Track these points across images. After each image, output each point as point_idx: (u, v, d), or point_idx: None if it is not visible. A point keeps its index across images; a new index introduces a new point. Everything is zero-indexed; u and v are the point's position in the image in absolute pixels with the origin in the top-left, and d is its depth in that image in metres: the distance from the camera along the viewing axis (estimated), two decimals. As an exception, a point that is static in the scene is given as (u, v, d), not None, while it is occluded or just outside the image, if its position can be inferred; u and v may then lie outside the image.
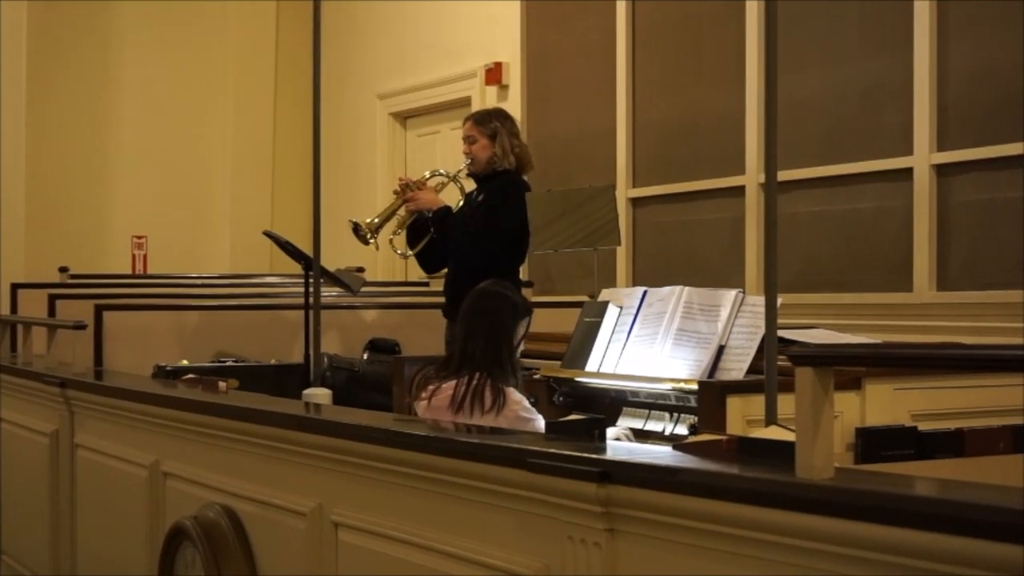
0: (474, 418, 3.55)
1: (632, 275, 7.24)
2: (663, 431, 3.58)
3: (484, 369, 3.63)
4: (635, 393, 3.73)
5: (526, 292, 5.98)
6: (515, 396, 3.62)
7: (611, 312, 3.89)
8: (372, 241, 5.53)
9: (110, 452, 4.46)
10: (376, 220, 5.55)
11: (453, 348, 3.80)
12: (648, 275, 7.00)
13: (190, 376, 4.67)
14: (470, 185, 5.61)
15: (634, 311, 3.82)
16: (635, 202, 7.29)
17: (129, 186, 10.04)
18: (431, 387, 3.69)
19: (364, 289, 5.92)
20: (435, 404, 3.64)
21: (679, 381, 3.52)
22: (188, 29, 10.23)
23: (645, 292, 3.86)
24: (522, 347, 3.86)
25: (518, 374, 3.77)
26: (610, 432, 3.43)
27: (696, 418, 3.39)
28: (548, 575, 2.42)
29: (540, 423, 3.56)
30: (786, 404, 2.31)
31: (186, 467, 3.89)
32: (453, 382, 3.64)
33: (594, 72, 7.61)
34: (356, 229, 5.51)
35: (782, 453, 2.10)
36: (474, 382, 3.60)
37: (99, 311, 5.44)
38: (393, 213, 5.57)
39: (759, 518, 1.99)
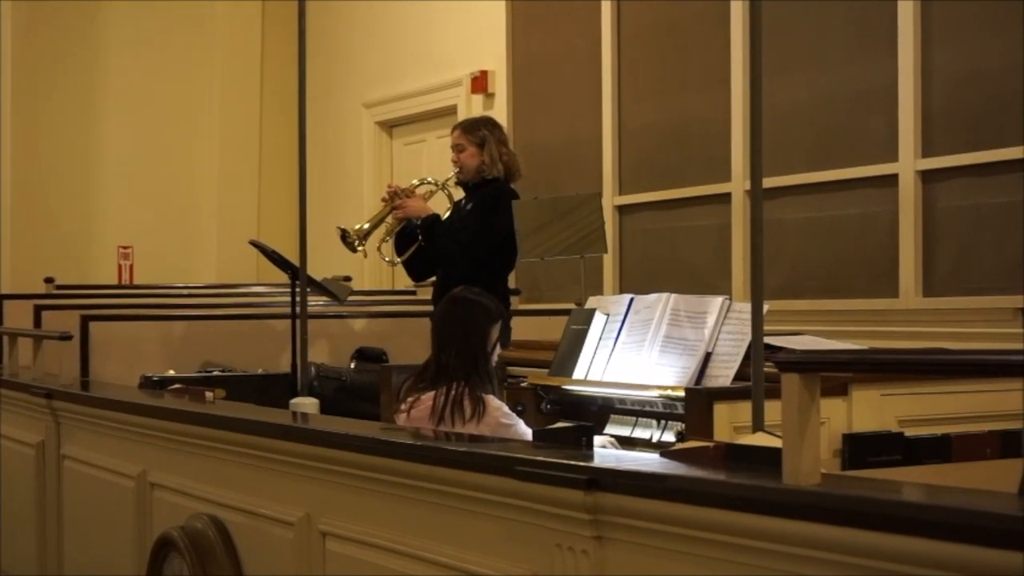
0: (455, 428, 3.54)
1: (619, 282, 7.25)
2: (650, 438, 3.58)
3: (461, 378, 3.62)
4: (622, 400, 3.73)
5: (513, 300, 5.98)
6: (495, 403, 3.62)
7: (598, 319, 3.89)
8: (360, 248, 5.53)
9: (97, 463, 4.45)
10: (364, 227, 5.54)
11: (428, 358, 3.79)
12: (635, 282, 7.00)
13: (177, 386, 4.65)
14: (459, 193, 5.61)
15: (621, 318, 3.83)
16: (621, 209, 7.30)
17: (115, 196, 10.02)
18: (410, 399, 3.68)
19: (351, 298, 5.91)
20: (415, 416, 3.63)
21: (666, 388, 3.52)
22: (173, 39, 10.22)
23: (632, 299, 3.86)
24: (498, 350, 3.85)
25: (494, 380, 3.76)
26: (595, 440, 3.43)
27: (683, 425, 3.39)
28: (536, 583, 2.43)
29: (521, 428, 3.56)
30: (773, 410, 2.31)
31: (173, 477, 3.89)
32: (432, 393, 3.63)
33: (580, 79, 7.62)
34: (344, 236, 5.50)
35: (769, 459, 2.11)
36: (452, 392, 3.59)
37: (85, 322, 5.42)
38: (381, 220, 5.56)
39: (746, 524, 1.99)
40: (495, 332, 3.78)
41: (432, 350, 3.78)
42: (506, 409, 3.65)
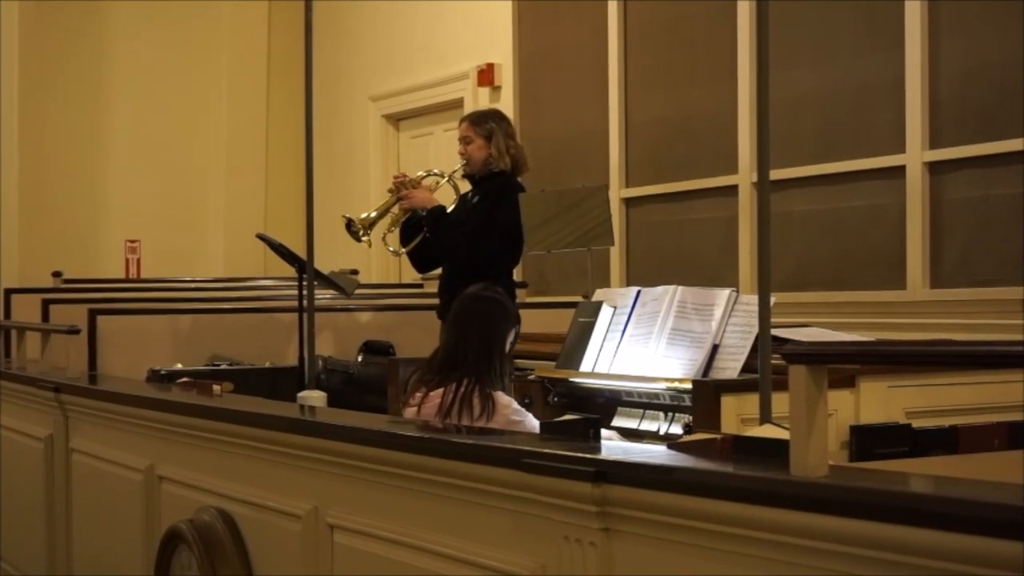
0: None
1: (626, 275, 7.25)
2: (658, 430, 3.58)
3: (473, 374, 3.59)
4: (630, 393, 3.73)
5: (520, 293, 5.99)
6: (504, 399, 3.59)
7: (605, 312, 3.89)
8: (365, 238, 5.52)
9: (105, 456, 4.46)
10: (370, 216, 5.53)
11: (438, 349, 3.76)
12: (642, 275, 7.00)
13: (184, 379, 4.66)
14: (465, 186, 5.61)
15: (628, 311, 3.83)
16: (628, 202, 7.30)
17: (122, 190, 10.04)
18: (419, 394, 3.66)
19: (358, 291, 5.92)
20: (424, 412, 3.61)
21: (673, 380, 3.52)
22: (181, 33, 10.23)
23: (639, 292, 3.86)
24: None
25: (506, 380, 3.74)
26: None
27: (691, 417, 3.39)
28: (544, 575, 2.43)
29: (531, 422, 3.55)
30: (780, 402, 2.31)
31: (181, 471, 3.89)
32: (441, 389, 3.61)
33: (586, 72, 7.61)
34: (349, 225, 5.50)
35: (777, 451, 2.11)
36: (462, 389, 3.56)
37: (93, 315, 5.43)
38: (387, 211, 5.55)
39: (754, 516, 1.99)
40: (512, 335, 3.76)
41: (441, 343, 3.76)
42: (516, 405, 3.62)
